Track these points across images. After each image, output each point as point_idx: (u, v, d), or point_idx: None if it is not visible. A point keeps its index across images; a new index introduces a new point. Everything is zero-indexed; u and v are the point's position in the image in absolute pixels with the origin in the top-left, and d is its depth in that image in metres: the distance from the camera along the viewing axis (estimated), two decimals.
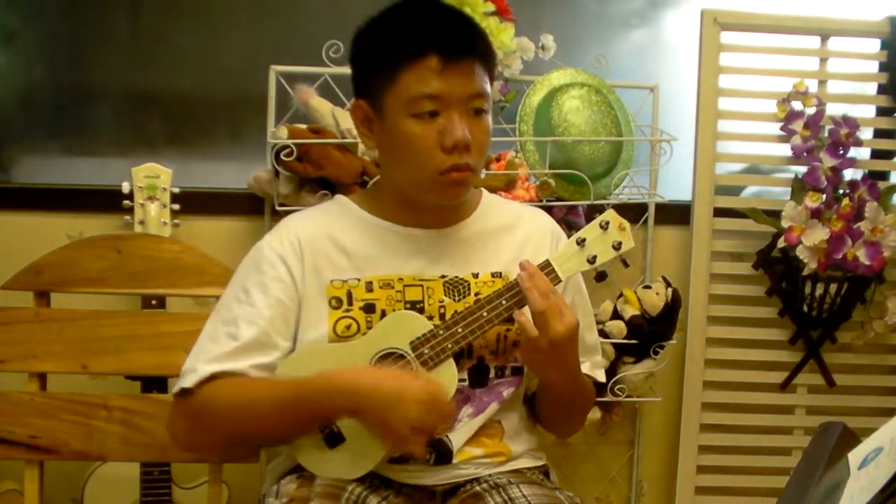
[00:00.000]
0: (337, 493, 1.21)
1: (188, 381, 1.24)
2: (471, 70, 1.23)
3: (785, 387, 2.10)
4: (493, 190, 1.60)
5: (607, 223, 1.28)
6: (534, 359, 1.25)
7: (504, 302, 1.24)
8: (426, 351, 1.23)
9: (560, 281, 1.27)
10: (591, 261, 1.27)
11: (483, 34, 1.29)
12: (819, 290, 1.99)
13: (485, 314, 1.24)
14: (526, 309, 1.23)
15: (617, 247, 1.28)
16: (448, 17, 1.28)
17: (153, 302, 1.71)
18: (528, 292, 1.21)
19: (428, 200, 1.29)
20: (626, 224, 1.29)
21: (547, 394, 1.35)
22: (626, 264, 1.33)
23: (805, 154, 1.97)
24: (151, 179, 1.79)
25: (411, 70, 1.21)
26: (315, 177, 1.75)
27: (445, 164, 1.23)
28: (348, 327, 1.27)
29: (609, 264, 1.30)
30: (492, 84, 1.28)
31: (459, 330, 1.23)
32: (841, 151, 1.97)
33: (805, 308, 2.02)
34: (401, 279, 1.29)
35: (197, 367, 1.24)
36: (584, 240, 1.27)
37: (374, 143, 1.30)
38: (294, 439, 1.26)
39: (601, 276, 1.21)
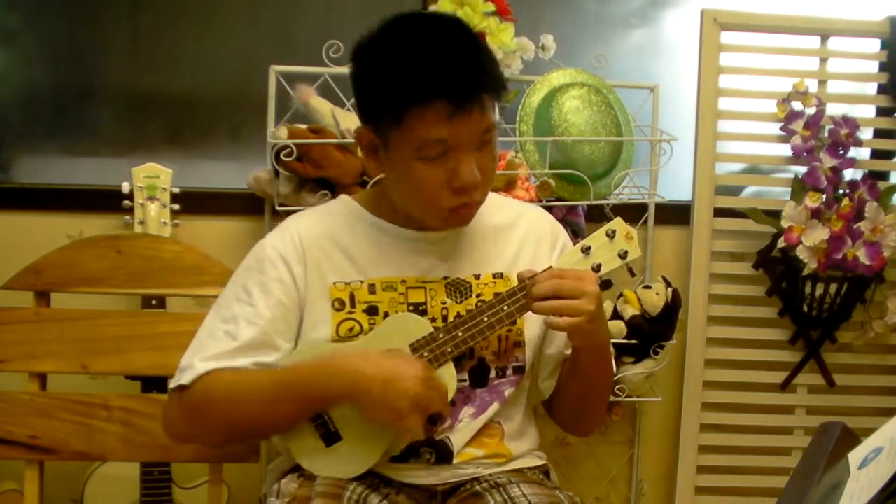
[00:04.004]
0: (338, 493, 1.21)
1: (185, 379, 1.24)
2: (480, 109, 1.18)
3: (785, 387, 2.10)
4: (493, 190, 1.60)
5: (614, 232, 1.26)
6: (582, 333, 1.24)
7: (506, 307, 1.23)
8: (426, 353, 1.23)
9: None
10: (596, 269, 1.26)
11: (491, 61, 1.23)
12: (819, 290, 1.99)
13: (486, 319, 1.23)
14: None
15: (623, 255, 1.26)
16: (456, 53, 1.18)
17: (153, 302, 1.71)
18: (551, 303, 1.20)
19: (432, 226, 1.29)
20: (634, 233, 1.28)
21: (578, 375, 1.33)
22: (632, 273, 1.32)
23: (805, 154, 1.97)
24: (151, 179, 1.79)
25: (419, 116, 1.16)
26: (315, 177, 1.75)
27: (453, 203, 1.22)
28: (351, 329, 1.27)
29: (614, 273, 1.29)
30: (499, 104, 1.24)
31: (460, 334, 1.23)
32: (841, 151, 1.97)
33: (805, 308, 2.02)
34: (403, 282, 1.29)
35: (194, 363, 1.24)
36: (589, 248, 1.26)
37: (380, 170, 1.29)
38: (291, 428, 1.26)
39: (606, 285, 1.20)
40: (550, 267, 1.25)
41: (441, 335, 1.23)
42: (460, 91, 1.15)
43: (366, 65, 1.22)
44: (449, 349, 1.23)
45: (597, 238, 1.27)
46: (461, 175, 1.19)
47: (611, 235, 1.26)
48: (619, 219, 1.29)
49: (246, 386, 1.23)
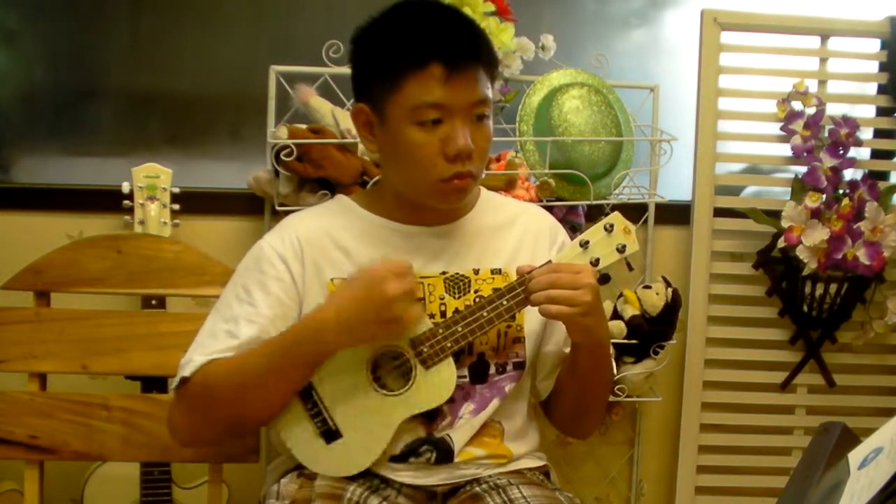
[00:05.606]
0: (338, 494, 1.21)
1: (186, 371, 1.24)
2: (474, 77, 1.22)
3: (785, 387, 2.10)
4: (493, 190, 1.60)
5: (612, 226, 1.27)
6: (579, 327, 1.24)
7: (505, 302, 1.24)
8: (425, 349, 1.24)
9: None
10: (595, 263, 1.26)
11: (486, 38, 1.28)
12: (819, 290, 1.99)
13: (485, 314, 1.24)
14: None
15: (621, 249, 1.27)
16: (452, 24, 1.26)
17: (153, 302, 1.71)
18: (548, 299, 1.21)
19: (428, 204, 1.29)
20: (631, 227, 1.29)
21: (577, 376, 1.33)
22: (630, 267, 1.32)
23: (805, 154, 1.97)
24: (151, 179, 1.79)
25: (414, 79, 1.20)
26: (315, 177, 1.75)
27: (448, 173, 1.23)
28: None
29: (612, 267, 1.29)
30: (493, 87, 1.27)
31: (459, 329, 1.24)
32: (841, 151, 1.97)
33: (805, 308, 2.02)
34: None
35: (194, 357, 1.25)
36: (587, 242, 1.27)
37: (376, 147, 1.30)
38: (290, 397, 1.25)
39: (604, 279, 1.22)
40: (549, 261, 1.25)
41: (440, 331, 1.24)
42: (455, 55, 1.20)
43: (364, 40, 1.27)
44: (448, 345, 1.24)
45: (595, 232, 1.27)
46: (455, 140, 1.21)
47: (609, 230, 1.27)
48: (616, 213, 1.29)
49: (242, 361, 1.23)
